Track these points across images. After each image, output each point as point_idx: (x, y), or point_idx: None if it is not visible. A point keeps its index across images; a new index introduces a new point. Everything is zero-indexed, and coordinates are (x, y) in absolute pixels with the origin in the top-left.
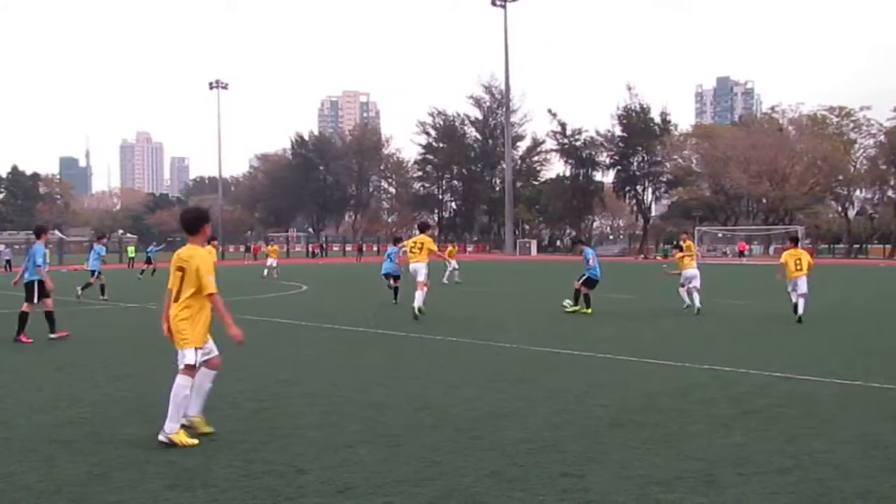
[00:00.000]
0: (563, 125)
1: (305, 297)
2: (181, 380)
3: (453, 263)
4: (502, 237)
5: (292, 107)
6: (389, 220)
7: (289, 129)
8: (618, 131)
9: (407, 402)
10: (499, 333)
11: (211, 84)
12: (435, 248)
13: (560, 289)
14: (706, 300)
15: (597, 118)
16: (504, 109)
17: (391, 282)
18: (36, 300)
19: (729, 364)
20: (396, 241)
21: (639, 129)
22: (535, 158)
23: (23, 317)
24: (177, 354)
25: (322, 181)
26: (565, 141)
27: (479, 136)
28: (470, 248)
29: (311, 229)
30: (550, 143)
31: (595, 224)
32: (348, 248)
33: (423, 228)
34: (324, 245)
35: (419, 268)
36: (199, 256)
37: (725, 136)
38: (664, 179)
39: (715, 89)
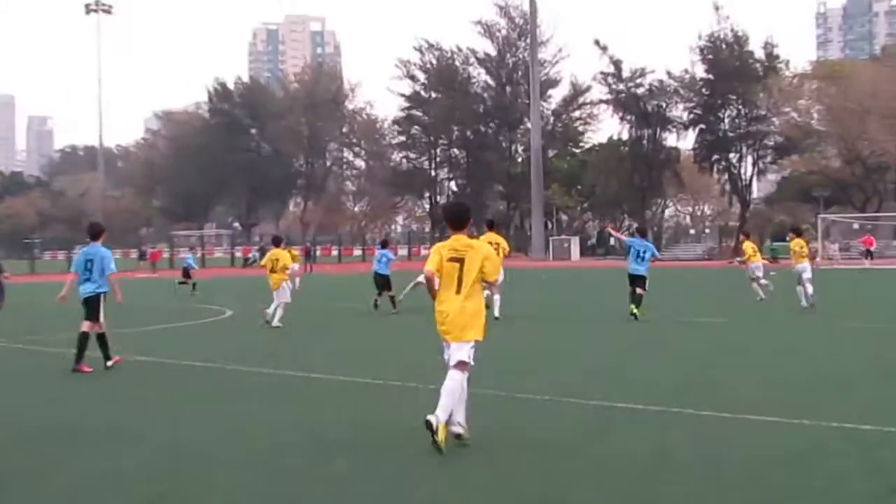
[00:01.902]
0: (617, 64)
1: (232, 328)
2: (458, 375)
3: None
4: (527, 232)
5: (210, 41)
6: (357, 209)
7: (205, 74)
8: (700, 72)
9: None
10: (523, 379)
11: (88, 6)
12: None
13: (613, 308)
14: (821, 320)
15: (667, 54)
16: (529, 42)
17: (379, 293)
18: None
19: (868, 418)
20: (384, 244)
21: (731, 68)
22: (576, 115)
23: (84, 339)
24: (446, 348)
25: (255, 151)
26: (621, 88)
27: (490, 81)
28: None
29: (238, 225)
30: (598, 92)
31: (667, 212)
32: (295, 252)
33: (490, 226)
34: (262, 248)
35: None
36: (478, 245)
37: (862, 77)
38: (771, 143)
39: (844, 8)
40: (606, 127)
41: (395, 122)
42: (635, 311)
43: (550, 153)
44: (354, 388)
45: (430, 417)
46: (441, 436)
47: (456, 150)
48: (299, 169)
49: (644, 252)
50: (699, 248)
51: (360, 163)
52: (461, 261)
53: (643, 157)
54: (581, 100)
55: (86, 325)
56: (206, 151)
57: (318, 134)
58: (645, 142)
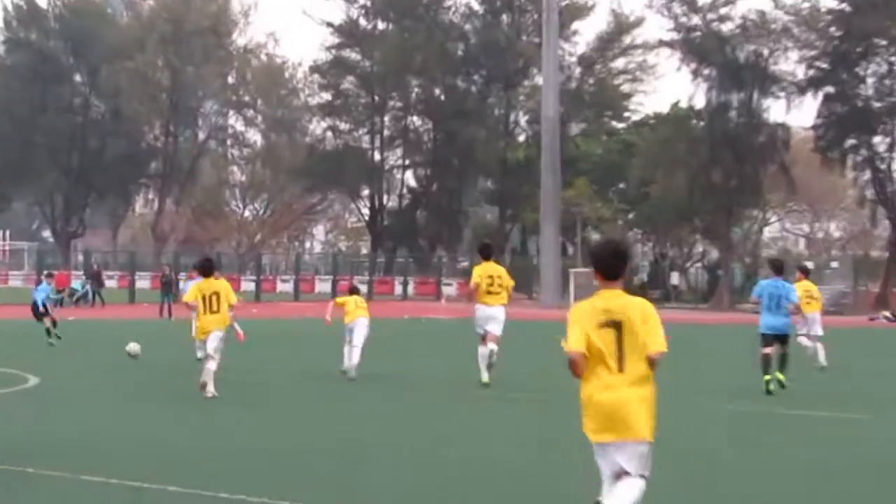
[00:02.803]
0: None
1: (36, 407)
2: (642, 484)
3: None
4: (531, 260)
5: None
6: (248, 213)
7: None
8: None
9: None
10: None
11: None
12: (511, 283)
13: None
14: None
15: None
16: None
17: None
18: None
19: None
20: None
21: None
22: (619, 65)
23: None
24: (604, 452)
25: (79, 113)
26: (694, 22)
27: (476, 4)
28: (452, 287)
29: (49, 234)
30: (656, 28)
31: (768, 231)
32: (143, 284)
33: (488, 253)
34: (94, 269)
35: (497, 314)
36: (638, 303)
37: None
38: None
39: None
40: (669, 87)
41: (316, 69)
42: (781, 377)
43: (574, 127)
44: None
45: None
46: None
47: (416, 119)
48: (153, 143)
49: (786, 295)
50: (822, 291)
51: (255, 136)
52: (618, 325)
53: (730, 138)
54: (627, 40)
55: None
56: None
57: (186, 86)
58: (733, 113)
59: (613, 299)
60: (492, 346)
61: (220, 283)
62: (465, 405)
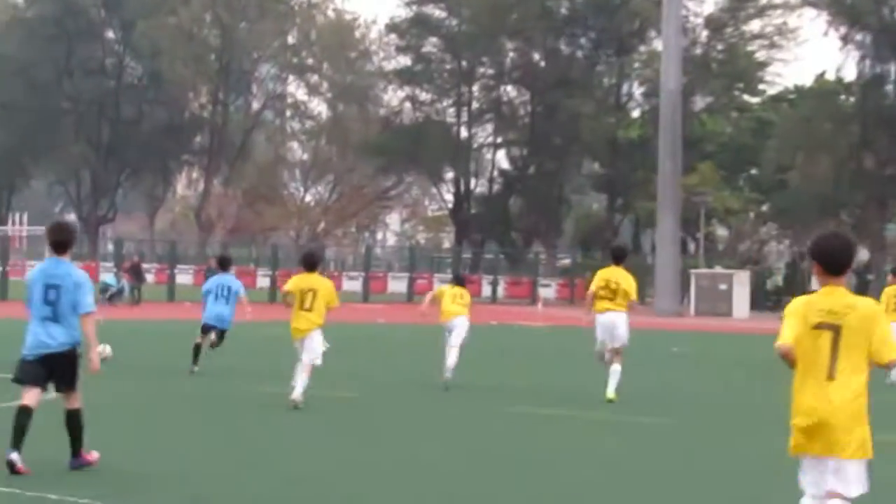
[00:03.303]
0: None
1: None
2: None
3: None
4: (645, 258)
5: None
6: (309, 197)
7: None
8: None
9: None
10: None
11: None
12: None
13: None
14: None
15: None
16: None
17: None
18: None
19: None
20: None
21: None
22: (753, 28)
23: None
24: (808, 468)
25: (112, 76)
26: None
27: None
28: (550, 289)
29: (75, 217)
30: None
31: None
32: (184, 279)
33: (620, 256)
34: (133, 261)
35: (618, 321)
36: (864, 305)
37: None
38: None
39: None
40: (813, 55)
41: (393, 28)
42: None
43: (699, 102)
44: None
45: None
46: None
47: (510, 90)
48: (199, 113)
49: None
50: None
51: (320, 106)
52: (837, 329)
53: (885, 116)
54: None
55: None
56: (16, 75)
57: (239, 46)
58: (890, 87)
59: (837, 298)
60: (609, 359)
61: (321, 281)
62: (593, 427)
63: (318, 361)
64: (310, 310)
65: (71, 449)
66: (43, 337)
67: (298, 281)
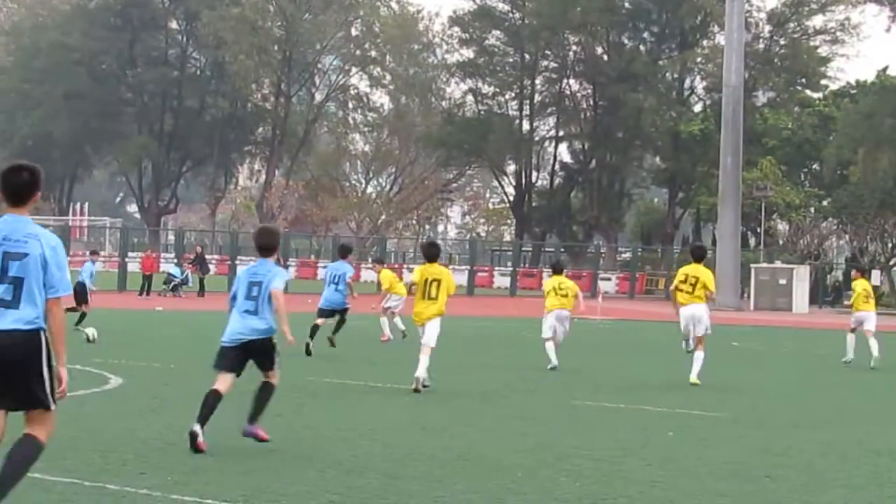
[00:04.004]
0: None
1: (116, 410)
2: None
3: (392, 302)
4: (706, 249)
5: None
6: (371, 189)
7: None
8: None
9: None
10: None
11: None
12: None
13: None
14: None
15: None
16: None
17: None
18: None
19: None
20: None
21: None
22: (816, 24)
23: None
24: None
25: (176, 66)
26: None
27: None
28: (611, 282)
29: (136, 208)
30: None
31: None
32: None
33: (699, 256)
34: (198, 252)
35: (698, 312)
36: None
37: None
38: None
39: None
40: (876, 51)
41: (456, 21)
42: None
43: (761, 97)
44: None
45: None
46: None
47: (573, 83)
48: (261, 105)
49: None
50: None
51: (382, 98)
52: None
53: None
54: None
55: None
56: (78, 64)
57: (302, 37)
58: None
59: None
60: (693, 346)
61: (443, 271)
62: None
63: (433, 343)
64: (434, 298)
65: (249, 415)
66: (242, 328)
67: (423, 271)
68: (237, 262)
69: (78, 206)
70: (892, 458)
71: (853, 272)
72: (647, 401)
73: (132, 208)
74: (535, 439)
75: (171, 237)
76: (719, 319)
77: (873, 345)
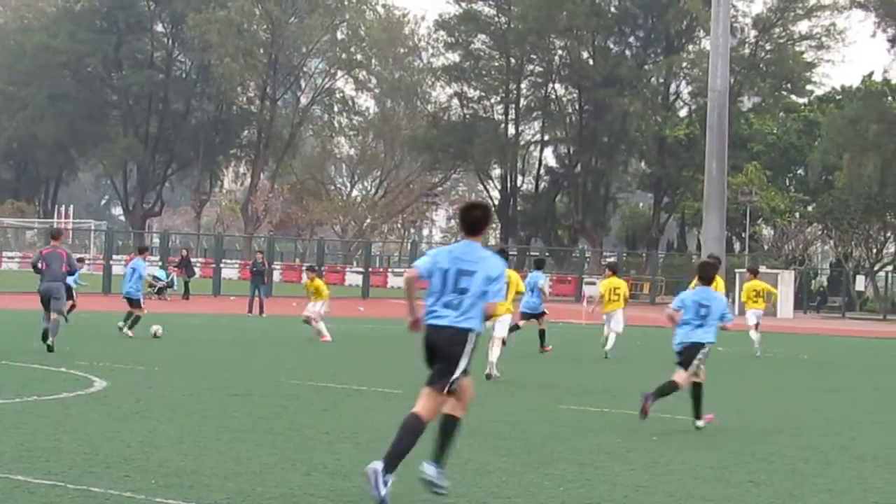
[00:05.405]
0: None
1: (98, 413)
2: None
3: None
4: (690, 257)
5: None
6: (356, 192)
7: None
8: None
9: None
10: None
11: None
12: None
13: None
14: None
15: None
16: None
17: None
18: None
19: None
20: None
21: None
22: (801, 29)
23: None
24: None
25: (161, 69)
26: None
27: None
28: (595, 287)
29: (120, 211)
30: None
31: None
32: (230, 273)
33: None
34: (183, 255)
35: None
36: None
37: None
38: None
39: None
40: (861, 56)
41: (442, 24)
42: None
43: (746, 102)
44: None
45: None
46: None
47: (558, 87)
48: (247, 108)
49: None
50: None
51: (368, 102)
52: None
53: None
54: (812, 0)
55: None
56: (64, 66)
57: (288, 40)
58: None
59: None
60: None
61: (510, 273)
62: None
63: (504, 333)
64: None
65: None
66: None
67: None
68: (222, 265)
69: (63, 208)
70: (875, 464)
71: (747, 274)
72: (631, 405)
73: (117, 211)
74: (520, 443)
75: (157, 240)
76: None
77: (755, 337)
